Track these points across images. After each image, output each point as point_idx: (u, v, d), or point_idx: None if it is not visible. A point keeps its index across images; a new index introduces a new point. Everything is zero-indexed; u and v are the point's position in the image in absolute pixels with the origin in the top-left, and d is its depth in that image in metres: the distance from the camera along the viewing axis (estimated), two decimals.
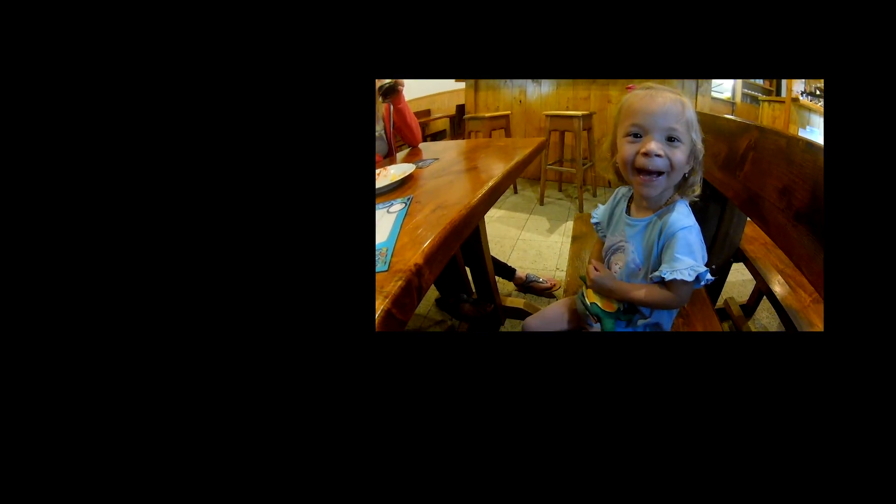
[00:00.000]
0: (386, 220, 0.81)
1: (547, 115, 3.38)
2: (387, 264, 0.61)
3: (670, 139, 0.81)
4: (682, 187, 0.87)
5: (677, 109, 0.80)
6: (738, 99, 4.77)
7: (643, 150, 0.81)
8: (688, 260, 0.80)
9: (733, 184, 1.11)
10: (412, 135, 1.79)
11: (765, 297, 1.26)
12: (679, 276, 0.78)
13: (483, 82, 4.29)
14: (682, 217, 0.84)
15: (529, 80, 4.05)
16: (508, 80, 4.19)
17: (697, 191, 0.88)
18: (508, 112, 3.83)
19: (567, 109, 3.75)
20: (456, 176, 1.17)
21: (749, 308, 1.76)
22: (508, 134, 3.77)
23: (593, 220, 1.05)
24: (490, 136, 3.56)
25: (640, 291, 0.88)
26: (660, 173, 0.82)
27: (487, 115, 3.65)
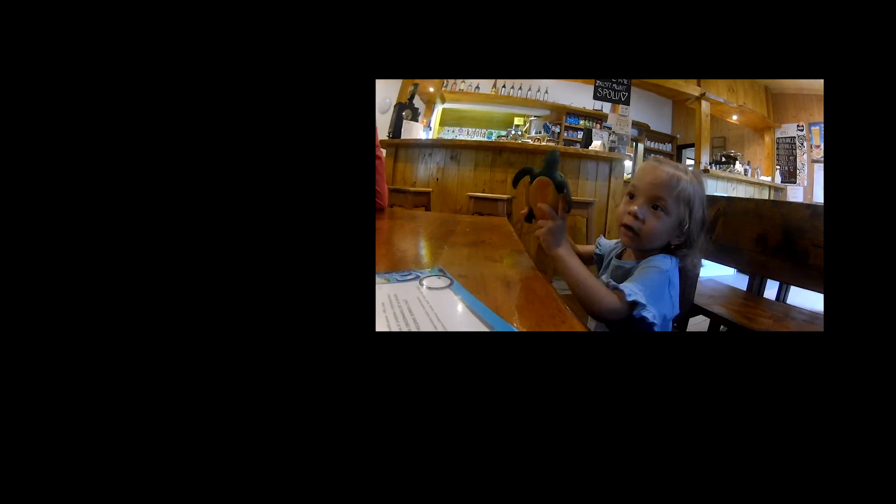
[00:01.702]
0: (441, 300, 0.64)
1: (470, 197, 3.58)
2: None
3: (654, 207, 0.93)
4: (669, 251, 0.97)
5: (671, 183, 0.91)
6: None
7: (628, 210, 0.94)
8: (638, 286, 0.84)
9: (707, 246, 1.40)
10: (381, 195, 1.70)
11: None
12: (619, 286, 0.83)
13: (402, 153, 4.50)
14: (658, 260, 0.93)
15: (449, 157, 4.30)
16: (426, 156, 4.41)
17: (693, 266, 0.98)
18: (430, 189, 4.06)
19: (483, 192, 4.01)
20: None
21: None
22: (429, 210, 3.97)
23: (597, 252, 1.18)
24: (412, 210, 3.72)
25: (586, 272, 0.86)
26: (634, 231, 0.94)
27: (412, 189, 3.84)
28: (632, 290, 0.83)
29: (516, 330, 0.55)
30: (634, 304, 0.82)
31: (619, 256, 1.10)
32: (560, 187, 0.89)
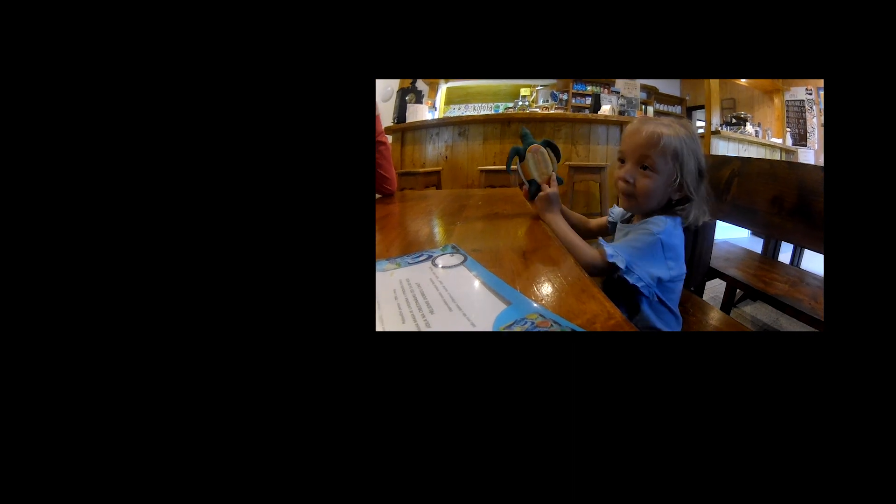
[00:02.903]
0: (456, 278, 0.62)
1: (482, 171, 3.56)
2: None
3: (643, 167, 0.92)
4: (671, 210, 0.96)
5: (652, 141, 0.90)
6: None
7: (617, 175, 0.96)
8: (621, 248, 0.87)
9: (722, 206, 1.39)
10: (389, 181, 1.62)
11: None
12: (605, 247, 0.86)
13: (409, 136, 4.47)
14: (652, 223, 0.93)
15: (457, 134, 4.25)
16: (433, 136, 4.38)
17: (695, 219, 0.96)
18: (440, 168, 4.04)
19: (494, 165, 3.98)
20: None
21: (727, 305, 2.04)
22: (440, 188, 3.96)
23: (609, 220, 1.19)
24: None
25: (570, 231, 0.95)
26: (632, 195, 0.95)
27: (422, 170, 3.82)
28: (613, 251, 0.85)
29: (536, 305, 0.54)
30: (624, 267, 0.84)
31: (629, 221, 1.11)
32: (547, 142, 1.03)
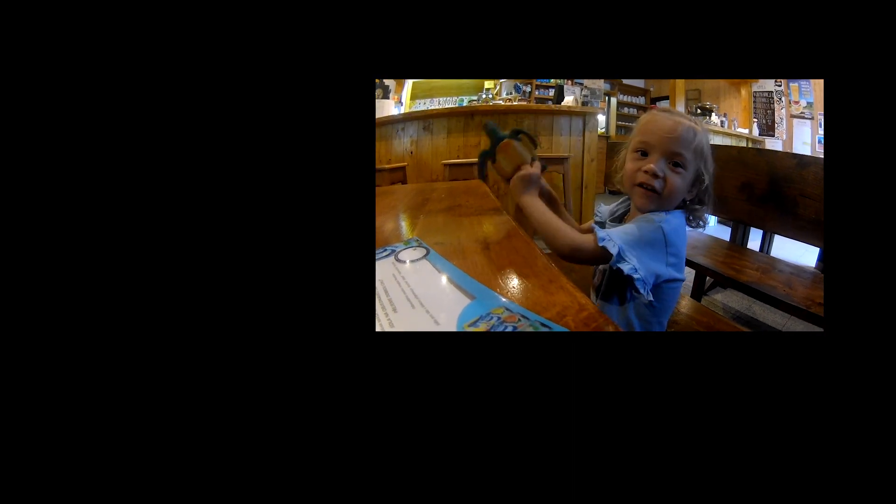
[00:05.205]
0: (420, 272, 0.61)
1: (445, 165, 3.56)
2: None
3: (674, 163, 0.84)
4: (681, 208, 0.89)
5: (688, 136, 0.83)
6: (613, 132, 5.63)
7: (644, 168, 0.84)
8: (616, 232, 0.79)
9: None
10: None
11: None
12: (598, 231, 0.77)
13: (375, 132, 4.45)
14: (659, 214, 0.84)
15: (421, 129, 4.25)
16: (398, 131, 4.37)
17: (702, 220, 0.91)
18: (405, 163, 4.01)
19: (458, 158, 3.98)
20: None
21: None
22: (406, 184, 3.94)
23: (597, 219, 1.06)
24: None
25: (549, 213, 0.85)
26: (655, 192, 0.84)
27: (388, 167, 3.80)
28: (606, 234, 0.76)
29: (502, 299, 0.51)
30: (616, 253, 0.75)
31: (622, 220, 1.00)
32: (516, 133, 0.91)
